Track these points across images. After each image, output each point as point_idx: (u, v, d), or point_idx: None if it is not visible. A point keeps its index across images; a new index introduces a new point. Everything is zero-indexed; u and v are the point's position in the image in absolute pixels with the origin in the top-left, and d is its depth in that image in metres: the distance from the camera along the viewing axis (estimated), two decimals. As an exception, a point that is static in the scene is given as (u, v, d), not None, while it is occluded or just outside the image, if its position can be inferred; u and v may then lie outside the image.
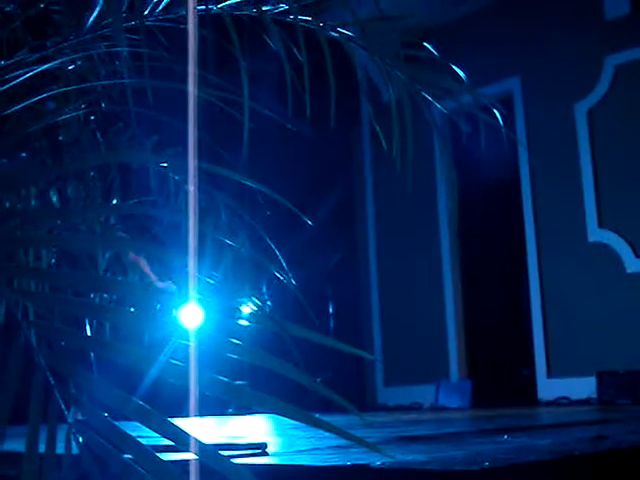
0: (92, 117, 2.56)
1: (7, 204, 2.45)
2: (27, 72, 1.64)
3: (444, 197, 7.27)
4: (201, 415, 0.83)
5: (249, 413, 5.70)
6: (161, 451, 0.80)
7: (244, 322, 0.95)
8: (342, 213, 7.86)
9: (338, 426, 0.75)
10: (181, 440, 0.74)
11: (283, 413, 0.70)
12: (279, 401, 0.70)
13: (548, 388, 6.48)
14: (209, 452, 0.72)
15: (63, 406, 0.82)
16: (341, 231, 7.71)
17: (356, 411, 0.72)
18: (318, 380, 0.72)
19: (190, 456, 0.74)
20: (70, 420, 0.81)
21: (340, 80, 1.98)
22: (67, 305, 1.02)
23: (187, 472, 0.74)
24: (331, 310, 7.61)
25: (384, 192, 7.76)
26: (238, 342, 0.86)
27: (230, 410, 5.94)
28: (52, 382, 0.83)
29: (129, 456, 0.81)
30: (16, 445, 0.95)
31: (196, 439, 0.73)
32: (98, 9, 1.70)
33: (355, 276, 7.91)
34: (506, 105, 6.53)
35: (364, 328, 7.74)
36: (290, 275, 1.39)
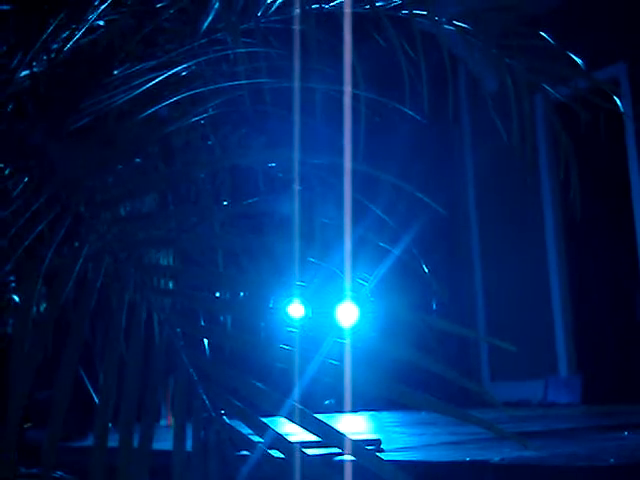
0: (202, 122, 2.60)
1: (122, 211, 2.52)
2: (145, 82, 1.69)
3: (548, 189, 7.11)
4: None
5: (351, 411, 5.69)
6: (306, 447, 0.82)
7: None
8: (444, 211, 7.78)
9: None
10: (334, 439, 0.74)
11: (435, 410, 0.70)
12: (429, 397, 0.70)
13: (664, 383, 6.25)
14: (364, 452, 0.73)
15: (207, 402, 0.84)
16: (444, 228, 7.63)
17: (500, 405, 0.72)
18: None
19: (332, 451, 0.75)
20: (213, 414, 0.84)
21: (438, 74, 1.96)
22: (199, 302, 1.06)
23: (330, 467, 0.75)
24: (434, 306, 7.55)
25: (486, 190, 7.66)
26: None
27: (327, 404, 5.96)
28: (195, 378, 0.85)
29: (274, 452, 0.82)
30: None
31: (351, 439, 0.74)
32: (212, 15, 1.74)
33: (459, 272, 7.83)
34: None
35: (469, 323, 7.65)
36: (422, 262, 1.39)
